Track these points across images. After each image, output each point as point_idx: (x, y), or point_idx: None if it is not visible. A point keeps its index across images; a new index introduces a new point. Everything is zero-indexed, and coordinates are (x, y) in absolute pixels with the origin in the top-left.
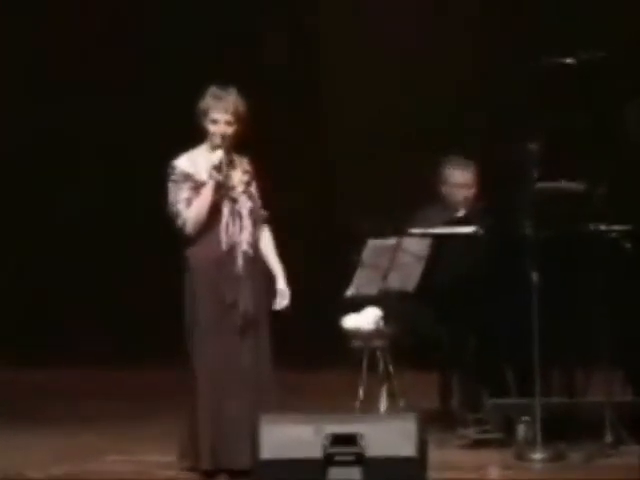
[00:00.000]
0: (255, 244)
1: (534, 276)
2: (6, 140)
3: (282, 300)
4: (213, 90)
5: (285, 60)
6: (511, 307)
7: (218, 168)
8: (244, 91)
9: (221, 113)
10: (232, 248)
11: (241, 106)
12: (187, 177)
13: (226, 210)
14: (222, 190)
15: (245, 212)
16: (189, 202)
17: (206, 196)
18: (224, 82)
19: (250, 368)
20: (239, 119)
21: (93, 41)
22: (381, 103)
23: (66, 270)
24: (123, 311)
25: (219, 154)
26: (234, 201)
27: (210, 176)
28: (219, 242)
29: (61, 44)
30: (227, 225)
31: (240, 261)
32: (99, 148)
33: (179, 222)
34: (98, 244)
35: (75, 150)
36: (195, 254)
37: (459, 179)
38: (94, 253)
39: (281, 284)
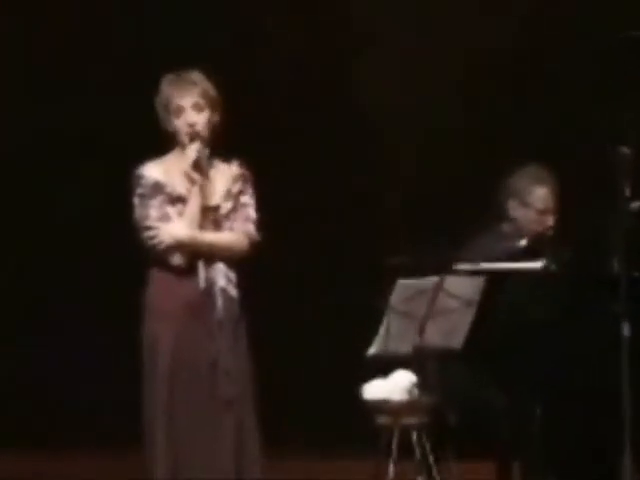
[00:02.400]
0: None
1: (625, 328)
2: (6, 140)
3: None
4: (169, 77)
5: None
6: (592, 369)
7: (197, 164)
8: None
9: (185, 97)
10: (211, 287)
11: (210, 89)
12: (158, 188)
13: None
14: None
15: None
16: (164, 218)
17: (193, 208)
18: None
19: (230, 454)
20: (211, 103)
21: (93, 41)
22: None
23: (66, 270)
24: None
25: (194, 147)
26: (216, 224)
27: (190, 180)
28: (194, 278)
29: (61, 44)
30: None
31: (220, 304)
32: (99, 148)
33: (155, 244)
34: (98, 244)
35: (75, 150)
36: (161, 292)
37: (550, 202)
38: (94, 253)
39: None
